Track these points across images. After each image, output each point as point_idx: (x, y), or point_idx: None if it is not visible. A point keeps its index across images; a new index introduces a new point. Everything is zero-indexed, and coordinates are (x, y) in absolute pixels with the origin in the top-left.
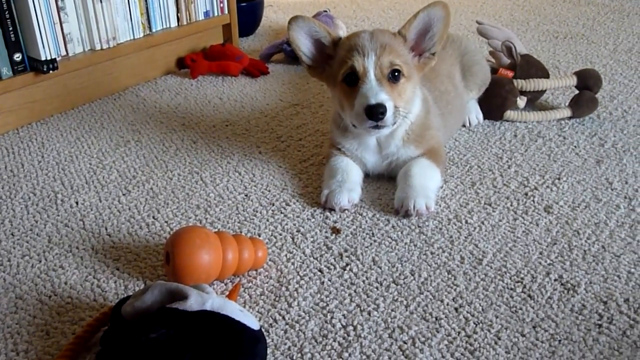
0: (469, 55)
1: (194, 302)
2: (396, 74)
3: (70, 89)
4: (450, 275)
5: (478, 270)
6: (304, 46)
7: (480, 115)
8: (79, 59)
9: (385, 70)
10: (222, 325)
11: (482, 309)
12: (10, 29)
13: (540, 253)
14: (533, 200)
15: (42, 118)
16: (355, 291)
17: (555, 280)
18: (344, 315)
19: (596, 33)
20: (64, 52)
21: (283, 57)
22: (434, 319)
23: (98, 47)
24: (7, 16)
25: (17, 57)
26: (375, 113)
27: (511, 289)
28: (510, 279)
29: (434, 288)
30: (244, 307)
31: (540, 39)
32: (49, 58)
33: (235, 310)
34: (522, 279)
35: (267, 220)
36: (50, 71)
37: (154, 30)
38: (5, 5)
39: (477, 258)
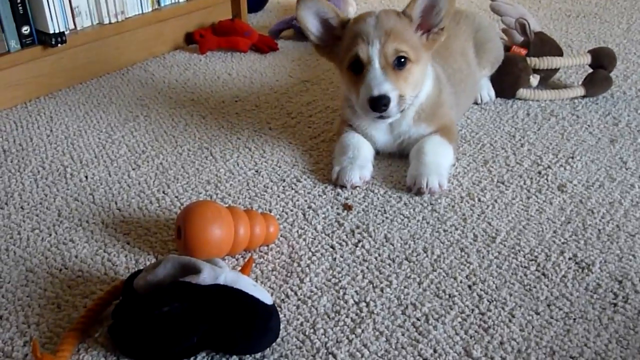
0: (482, 31)
1: (207, 275)
2: (402, 60)
3: (79, 63)
4: (463, 253)
5: (491, 248)
6: (312, 26)
7: (493, 93)
8: (87, 33)
9: (390, 58)
10: (236, 299)
11: (496, 287)
12: (19, 1)
13: (554, 232)
14: (546, 179)
15: (50, 92)
16: (367, 268)
17: (569, 258)
18: (356, 291)
19: (609, 12)
20: (72, 26)
21: (292, 34)
22: (447, 296)
23: (106, 21)
24: None
25: (26, 30)
26: (379, 105)
27: (525, 267)
28: (524, 257)
29: (447, 265)
30: (256, 282)
31: (552, 17)
32: (57, 31)
33: (248, 285)
34: (536, 257)
35: (278, 197)
36: (59, 45)
37: (162, 4)
38: None
39: (490, 236)
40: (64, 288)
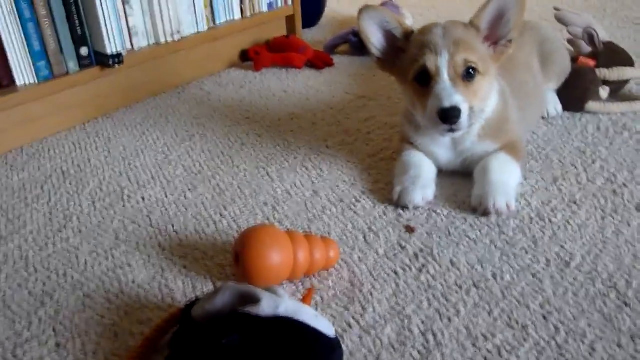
0: (548, 43)
1: (266, 306)
2: (471, 71)
3: (136, 83)
4: (535, 279)
5: (566, 274)
6: (374, 38)
7: (560, 107)
8: (144, 53)
9: (459, 69)
10: (297, 331)
11: (573, 317)
12: (77, 23)
13: (634, 256)
14: (622, 198)
15: (107, 113)
16: (433, 295)
17: None
18: (422, 320)
19: None
20: (129, 46)
21: (348, 49)
22: (520, 327)
23: (163, 40)
24: (74, 10)
25: (84, 51)
26: (450, 117)
27: (604, 295)
28: (603, 284)
29: (519, 293)
30: (316, 310)
31: (619, 26)
32: (115, 52)
33: (310, 315)
34: (616, 284)
35: (337, 218)
36: (117, 65)
37: (217, 22)
38: (72, 0)
39: (564, 260)
40: (120, 315)
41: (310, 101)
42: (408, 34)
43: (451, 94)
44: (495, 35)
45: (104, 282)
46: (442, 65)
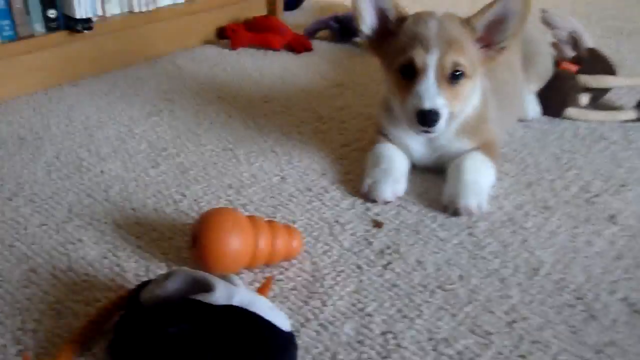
0: (532, 43)
1: (220, 295)
2: (458, 73)
3: (105, 51)
4: (502, 285)
5: (534, 282)
6: (367, 14)
7: (539, 110)
8: (115, 21)
9: (447, 71)
10: (250, 324)
11: (539, 326)
12: None
13: (604, 268)
14: (595, 208)
15: (73, 80)
16: (396, 294)
17: (620, 300)
18: (383, 320)
19: None
20: (100, 12)
21: (328, 35)
22: (484, 333)
23: (137, 9)
24: None
25: (52, 13)
26: (428, 120)
27: (571, 305)
28: (570, 294)
29: (485, 298)
30: (274, 301)
31: (603, 35)
32: (84, 17)
33: (265, 308)
34: (584, 295)
35: (303, 207)
36: (85, 31)
37: None
38: None
39: (532, 268)
40: (66, 292)
41: (285, 85)
42: (401, 19)
43: (434, 96)
44: (490, 39)
45: (52, 257)
46: (430, 63)
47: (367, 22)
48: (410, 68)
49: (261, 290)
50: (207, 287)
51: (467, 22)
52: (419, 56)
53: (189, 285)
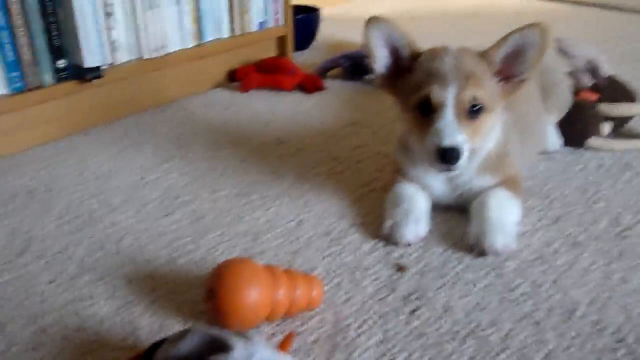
0: (549, 74)
1: (239, 355)
2: (477, 108)
3: (115, 99)
4: (537, 329)
5: (570, 325)
6: (379, 52)
7: (560, 141)
8: (125, 68)
9: (466, 106)
10: None
11: None
12: (55, 33)
13: None
14: (628, 242)
15: (84, 129)
16: (425, 343)
17: None
18: None
19: None
20: (110, 60)
21: (340, 73)
22: None
23: (146, 55)
24: (52, 20)
25: (61, 63)
26: (449, 157)
27: (612, 349)
28: (610, 337)
29: (520, 344)
30: (295, 356)
31: (620, 61)
32: (93, 66)
33: None
34: (624, 337)
35: (322, 253)
36: (95, 80)
37: (205, 40)
38: (50, 9)
39: (567, 309)
40: (77, 355)
41: (298, 126)
42: (415, 55)
43: (454, 133)
44: (508, 72)
45: (62, 316)
46: (449, 99)
47: (380, 60)
48: (427, 105)
49: (282, 347)
50: (225, 347)
51: (484, 55)
52: (435, 92)
53: (205, 345)
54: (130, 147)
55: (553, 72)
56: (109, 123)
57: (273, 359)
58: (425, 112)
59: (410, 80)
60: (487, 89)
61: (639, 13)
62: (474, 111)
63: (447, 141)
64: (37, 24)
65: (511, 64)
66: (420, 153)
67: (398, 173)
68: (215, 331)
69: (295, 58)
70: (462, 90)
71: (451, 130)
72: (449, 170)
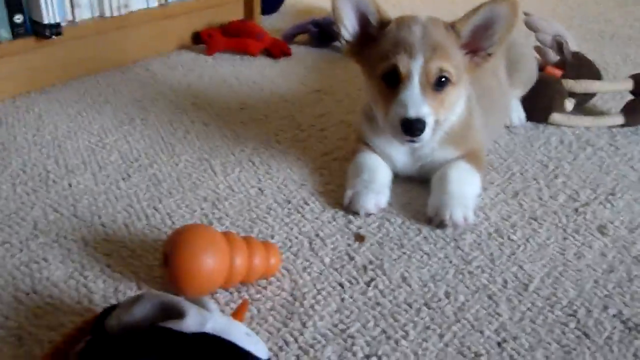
0: (516, 48)
1: (192, 322)
2: (443, 80)
3: (75, 57)
4: (491, 301)
5: (524, 298)
6: (347, 19)
7: (523, 116)
8: (86, 26)
9: (432, 77)
10: (224, 353)
11: (530, 346)
12: None
13: (595, 281)
14: (584, 218)
15: (42, 87)
16: (380, 313)
17: (614, 316)
18: (367, 342)
19: None
20: (70, 17)
21: (307, 39)
22: (473, 355)
23: (108, 14)
24: None
25: (18, 19)
26: (413, 129)
27: (563, 323)
28: (562, 310)
29: (473, 316)
30: (251, 323)
31: (585, 38)
32: (52, 22)
33: (241, 335)
34: (576, 311)
35: (282, 221)
36: (54, 36)
37: (169, 0)
38: None
39: (522, 282)
40: (28, 317)
41: (263, 91)
42: (384, 23)
43: (419, 104)
44: (476, 45)
45: (15, 278)
46: (415, 69)
47: (348, 27)
48: (393, 75)
49: (236, 315)
50: (178, 313)
51: (452, 27)
52: (402, 62)
53: (158, 311)
54: (90, 107)
55: (520, 46)
56: (68, 82)
57: (227, 326)
58: (391, 82)
59: (377, 49)
60: (454, 62)
61: None
62: (440, 83)
63: (412, 112)
64: None
65: (479, 38)
66: (384, 123)
67: (361, 142)
68: (168, 297)
69: (263, 22)
70: (429, 62)
71: (416, 101)
72: (413, 141)
